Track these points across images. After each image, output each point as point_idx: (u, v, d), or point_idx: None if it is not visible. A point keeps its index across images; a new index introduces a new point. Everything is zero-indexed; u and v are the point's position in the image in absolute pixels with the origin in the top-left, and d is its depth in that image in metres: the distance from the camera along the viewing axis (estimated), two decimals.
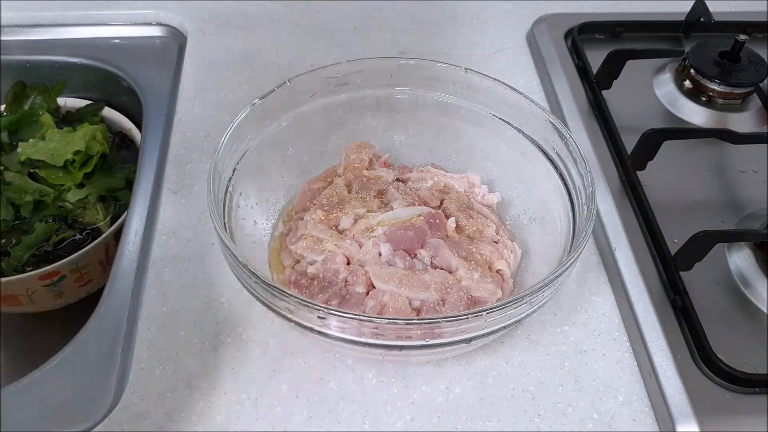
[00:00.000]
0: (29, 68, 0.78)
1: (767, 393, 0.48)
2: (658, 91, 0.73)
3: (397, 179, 0.59)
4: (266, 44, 0.77)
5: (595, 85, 0.70)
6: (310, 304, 0.41)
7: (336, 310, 0.41)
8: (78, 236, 0.68)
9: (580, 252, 0.45)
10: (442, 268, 0.51)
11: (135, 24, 0.80)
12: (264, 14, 0.82)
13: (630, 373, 0.50)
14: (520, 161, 0.57)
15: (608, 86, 0.71)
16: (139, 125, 0.73)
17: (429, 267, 0.51)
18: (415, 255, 0.52)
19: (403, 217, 0.53)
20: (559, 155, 0.53)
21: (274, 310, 0.44)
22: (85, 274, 0.66)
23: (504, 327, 0.43)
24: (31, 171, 0.69)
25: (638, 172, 0.61)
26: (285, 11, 0.82)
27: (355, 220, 0.54)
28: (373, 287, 0.49)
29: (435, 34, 0.80)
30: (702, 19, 0.77)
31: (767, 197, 0.62)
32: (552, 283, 0.43)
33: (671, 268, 0.54)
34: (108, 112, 0.77)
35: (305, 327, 0.43)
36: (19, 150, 0.69)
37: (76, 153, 0.68)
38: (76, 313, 0.64)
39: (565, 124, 0.65)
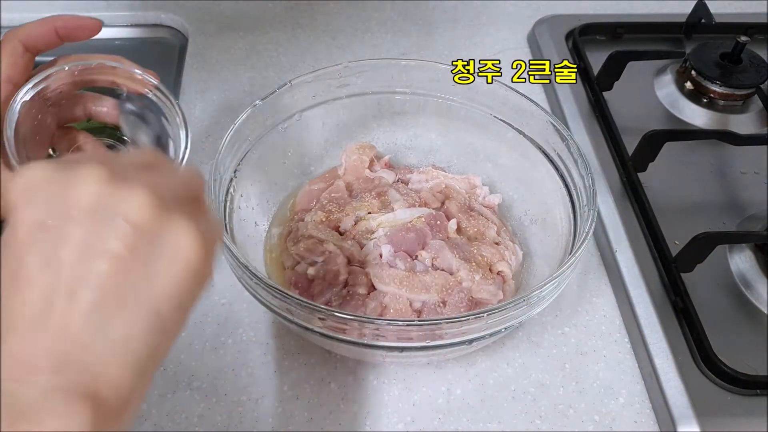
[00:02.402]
0: None
1: None
2: (659, 93, 0.73)
3: (398, 180, 0.59)
4: (267, 45, 0.77)
5: (596, 87, 0.70)
6: (310, 306, 0.41)
7: (337, 312, 0.41)
8: None
9: (581, 253, 0.45)
10: (443, 270, 0.51)
11: (136, 25, 0.80)
12: (265, 15, 0.82)
13: (631, 374, 0.50)
14: (521, 163, 0.57)
15: (609, 88, 0.71)
16: None
17: (430, 268, 0.51)
18: (416, 256, 0.52)
19: (404, 218, 0.53)
20: (560, 156, 0.53)
21: (274, 312, 0.44)
22: None
23: (505, 328, 0.43)
24: None
25: (639, 174, 0.61)
26: (286, 12, 0.82)
27: (356, 222, 0.54)
28: (374, 289, 0.49)
29: (436, 35, 0.80)
30: (703, 21, 0.77)
31: None
32: (553, 284, 0.43)
33: (672, 269, 0.54)
34: None
35: (306, 328, 0.43)
36: None
37: None
38: None
39: (566, 125, 0.65)
